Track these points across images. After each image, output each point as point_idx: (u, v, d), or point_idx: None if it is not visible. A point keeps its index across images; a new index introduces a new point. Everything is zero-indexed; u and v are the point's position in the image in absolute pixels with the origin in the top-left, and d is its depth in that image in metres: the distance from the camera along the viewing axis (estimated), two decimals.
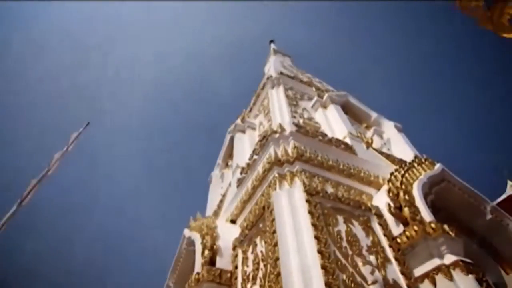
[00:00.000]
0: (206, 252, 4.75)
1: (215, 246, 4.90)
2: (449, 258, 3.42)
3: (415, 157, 5.57)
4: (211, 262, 4.68)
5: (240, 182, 6.51)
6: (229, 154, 9.79)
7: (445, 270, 3.35)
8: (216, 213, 7.46)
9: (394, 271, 3.62)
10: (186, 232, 5.88)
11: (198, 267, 4.70)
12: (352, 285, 3.19)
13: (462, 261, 3.37)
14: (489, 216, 4.88)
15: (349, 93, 9.38)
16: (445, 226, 3.66)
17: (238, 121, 9.58)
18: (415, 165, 4.98)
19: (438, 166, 5.01)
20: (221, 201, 7.81)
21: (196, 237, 5.26)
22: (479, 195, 5.04)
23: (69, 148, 7.99)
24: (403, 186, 4.39)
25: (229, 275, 4.54)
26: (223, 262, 4.72)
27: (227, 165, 9.85)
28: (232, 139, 9.43)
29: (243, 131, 9.06)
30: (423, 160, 5.15)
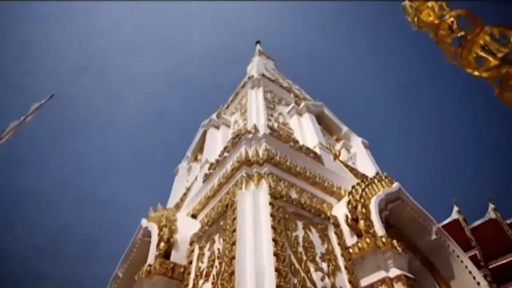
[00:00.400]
0: (162, 244, 4.64)
1: (172, 239, 4.80)
2: (393, 272, 3.64)
3: (377, 173, 5.87)
4: (166, 255, 4.58)
5: (206, 177, 6.45)
6: (200, 148, 9.66)
7: (389, 282, 3.56)
8: (178, 206, 7.31)
9: (343, 279, 3.78)
10: (144, 222, 5.70)
11: (151, 259, 4.58)
12: None
13: (405, 275, 3.60)
14: (433, 237, 5.27)
15: (325, 105, 9.68)
16: (394, 242, 3.90)
17: (214, 116, 9.49)
18: (376, 181, 5.24)
19: (396, 184, 5.32)
20: (185, 195, 7.68)
21: (154, 228, 5.13)
22: (428, 216, 5.42)
23: (27, 119, 7.42)
24: (362, 200, 4.61)
25: (182, 269, 4.48)
26: (178, 256, 4.64)
27: (196, 159, 9.70)
28: (205, 133, 9.32)
29: (217, 127, 8.99)
30: (383, 178, 5.44)
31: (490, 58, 3.50)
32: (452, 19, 4.71)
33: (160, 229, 4.97)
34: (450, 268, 5.16)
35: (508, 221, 15.27)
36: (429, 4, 5.41)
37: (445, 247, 5.27)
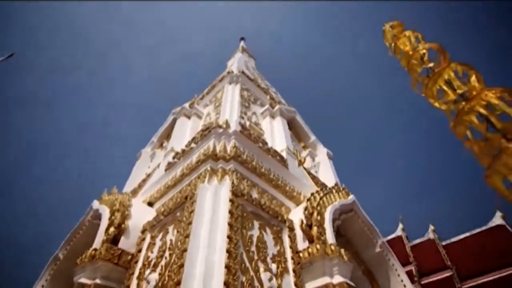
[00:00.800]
0: (112, 229, 4.43)
1: (123, 225, 4.60)
2: (337, 279, 3.82)
3: (336, 184, 6.13)
4: (114, 241, 4.39)
5: (170, 166, 6.28)
6: (167, 135, 9.38)
7: None
8: (135, 192, 7.04)
9: (289, 282, 3.90)
10: (95, 204, 5.42)
11: (97, 243, 4.37)
12: None
13: (347, 283, 3.79)
14: (377, 250, 5.62)
15: (298, 112, 9.89)
16: (342, 250, 4.10)
17: (186, 105, 9.27)
18: (334, 191, 5.46)
19: (351, 197, 5.59)
20: (144, 181, 7.41)
21: (105, 212, 4.89)
22: (375, 229, 5.77)
23: None
24: (319, 208, 4.78)
25: (129, 257, 4.32)
26: (127, 244, 4.46)
27: (161, 146, 9.41)
28: (174, 121, 9.07)
29: (188, 117, 8.79)
30: (341, 189, 5.69)
31: (450, 93, 3.81)
32: (424, 50, 5.06)
33: (112, 213, 4.75)
34: (388, 280, 5.53)
35: (444, 243, 16.79)
36: (407, 33, 5.77)
37: (386, 261, 5.64)
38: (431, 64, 4.70)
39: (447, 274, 14.52)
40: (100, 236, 4.47)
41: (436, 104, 3.97)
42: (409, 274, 8.20)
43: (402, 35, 5.73)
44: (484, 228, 16.27)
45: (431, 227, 17.85)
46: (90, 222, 5.42)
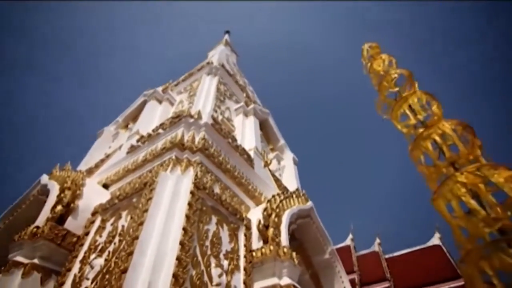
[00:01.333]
0: (59, 207, 4.15)
1: (72, 205, 4.33)
2: (285, 280, 3.93)
3: (297, 189, 6.28)
4: (60, 220, 4.11)
5: (132, 149, 6.03)
6: (134, 117, 8.97)
7: None
8: (90, 171, 6.65)
9: (239, 279, 3.93)
10: (44, 178, 5.04)
11: (41, 221, 4.07)
12: (197, 282, 3.31)
13: (294, 285, 3.92)
14: (327, 256, 5.87)
15: (271, 114, 10.00)
16: (293, 253, 4.22)
17: (159, 89, 8.94)
18: (294, 196, 5.60)
19: (309, 203, 5.78)
20: (102, 161, 7.04)
21: (54, 188, 4.57)
22: (327, 237, 6.02)
23: None
24: (277, 210, 4.88)
25: (75, 239, 4.07)
26: (74, 224, 4.20)
27: (126, 127, 8.98)
28: (144, 103, 8.71)
29: (160, 101, 8.49)
30: (301, 194, 5.85)
31: (412, 117, 4.09)
32: (396, 75, 5.39)
33: (62, 191, 4.44)
34: (332, 286, 5.80)
35: (387, 256, 18.02)
36: (383, 56, 6.10)
37: (333, 268, 5.91)
38: (397, 88, 5.02)
39: (385, 285, 15.59)
40: (45, 214, 4.16)
41: (399, 127, 4.25)
42: (352, 282, 8.67)
43: (379, 57, 6.06)
44: (423, 246, 17.73)
45: (377, 241, 19.08)
46: (35, 197, 5.03)
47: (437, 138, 3.35)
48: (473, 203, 2.61)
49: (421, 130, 3.93)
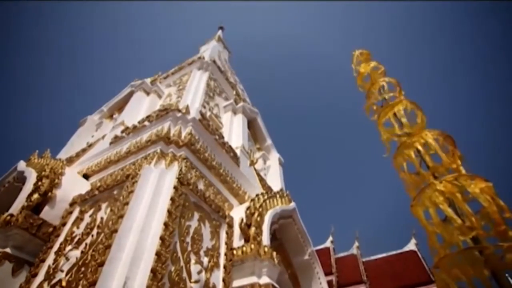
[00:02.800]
0: (35, 196, 4.01)
1: (50, 194, 4.19)
2: (264, 279, 3.95)
3: (281, 190, 6.33)
4: (36, 209, 3.97)
5: (116, 140, 5.89)
6: (120, 108, 8.76)
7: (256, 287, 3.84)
8: (71, 160, 6.46)
9: (218, 277, 3.92)
10: (21, 165, 4.85)
11: (15, 209, 3.92)
12: (176, 278, 3.27)
13: (272, 285, 3.94)
14: (306, 257, 5.95)
15: (260, 114, 10.01)
16: (274, 253, 4.25)
17: (147, 80, 8.77)
18: (277, 196, 5.64)
19: (292, 204, 5.84)
20: (84, 151, 6.84)
21: (31, 175, 4.41)
22: (308, 238, 6.10)
23: None
24: (260, 209, 4.90)
25: (51, 230, 3.95)
26: (50, 214, 4.07)
27: (111, 117, 8.76)
28: (131, 94, 8.52)
29: (147, 93, 8.33)
30: (284, 195, 5.90)
31: (396, 126, 4.19)
32: (384, 83, 5.51)
33: (40, 179, 4.29)
34: (310, 286, 5.88)
35: (364, 259, 18.42)
36: (372, 63, 6.22)
37: (312, 268, 6.00)
38: (385, 95, 5.14)
39: (361, 287, 15.93)
40: (21, 202, 4.01)
41: (383, 133, 4.34)
42: (329, 283, 8.81)
43: (368, 64, 6.17)
44: (399, 251, 18.22)
45: (356, 244, 19.46)
46: (11, 184, 4.84)
47: (420, 147, 3.45)
48: (450, 211, 2.70)
49: (404, 138, 4.04)
